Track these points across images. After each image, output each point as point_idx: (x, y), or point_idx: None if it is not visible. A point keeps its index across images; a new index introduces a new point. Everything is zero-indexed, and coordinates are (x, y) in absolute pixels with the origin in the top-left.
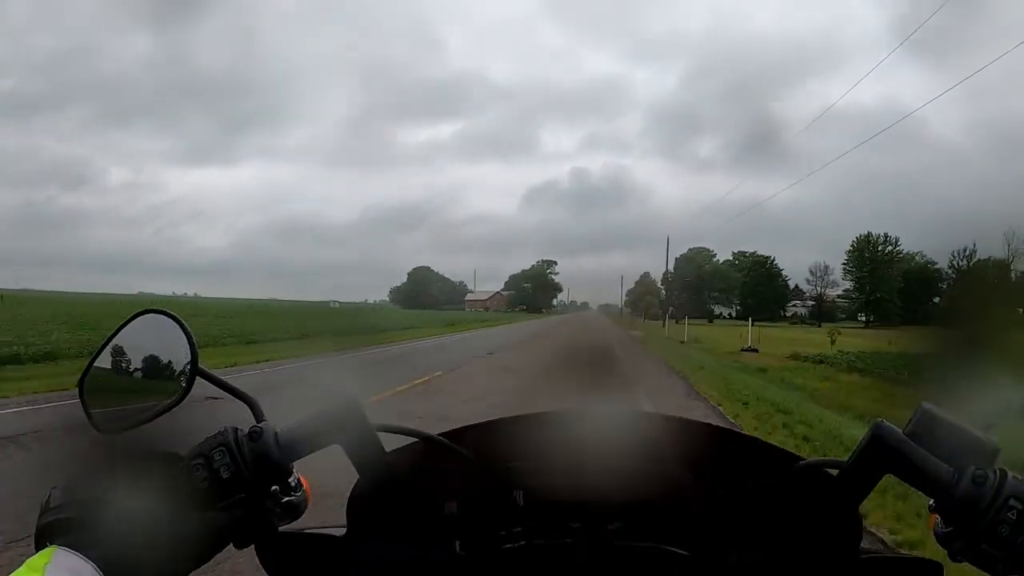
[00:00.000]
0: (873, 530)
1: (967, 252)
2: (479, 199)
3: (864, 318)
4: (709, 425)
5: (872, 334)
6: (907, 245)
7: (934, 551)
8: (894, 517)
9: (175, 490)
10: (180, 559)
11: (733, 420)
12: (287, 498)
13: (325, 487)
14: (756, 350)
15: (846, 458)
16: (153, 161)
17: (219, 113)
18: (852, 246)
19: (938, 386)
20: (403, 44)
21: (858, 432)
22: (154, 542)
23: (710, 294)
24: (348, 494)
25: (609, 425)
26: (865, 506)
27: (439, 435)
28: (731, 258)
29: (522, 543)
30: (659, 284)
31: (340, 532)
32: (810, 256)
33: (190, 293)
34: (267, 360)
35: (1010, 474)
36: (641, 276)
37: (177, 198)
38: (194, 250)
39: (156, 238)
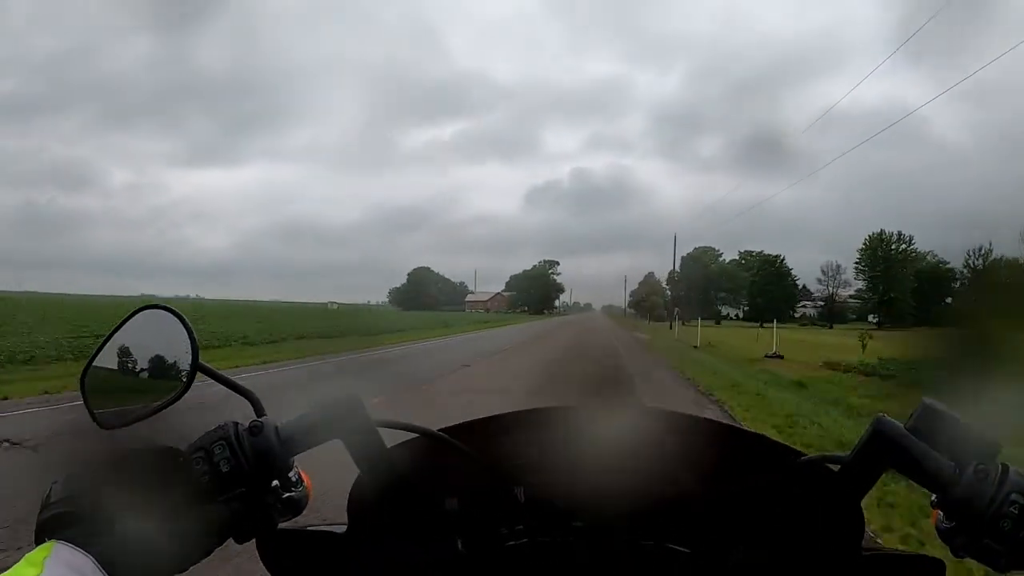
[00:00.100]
0: None
1: (983, 251)
2: (481, 199)
3: (875, 319)
4: (711, 421)
5: (886, 336)
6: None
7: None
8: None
9: (175, 484)
10: (180, 553)
11: None
12: (288, 494)
13: (324, 485)
14: (781, 356)
15: (847, 453)
16: (155, 162)
17: (221, 114)
18: (865, 244)
19: (942, 382)
20: (405, 44)
21: None
22: (154, 536)
23: (717, 294)
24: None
25: (611, 421)
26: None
27: (440, 431)
28: (737, 257)
29: (524, 540)
30: (664, 284)
31: (341, 529)
32: (811, 256)
33: (192, 295)
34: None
35: (1012, 468)
36: (645, 276)
37: (179, 199)
38: (196, 251)
39: (158, 239)
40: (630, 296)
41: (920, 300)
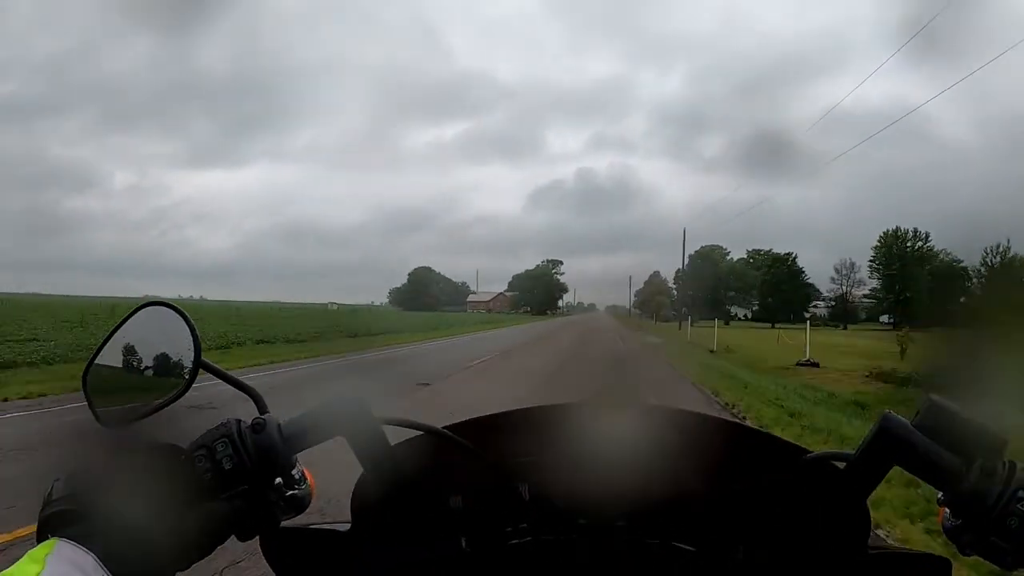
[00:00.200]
0: None
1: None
2: (484, 200)
3: (889, 319)
4: (716, 419)
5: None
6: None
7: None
8: None
9: (177, 482)
10: (182, 550)
11: None
12: (291, 492)
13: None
14: (816, 364)
15: (853, 451)
16: (157, 163)
17: (223, 116)
18: (880, 241)
19: (949, 379)
20: (407, 44)
21: None
22: (156, 533)
23: (726, 293)
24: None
25: (615, 419)
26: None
27: (445, 428)
28: (745, 256)
29: (528, 539)
30: (670, 284)
31: (344, 528)
32: (812, 256)
33: (196, 296)
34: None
35: (1019, 465)
36: (651, 275)
37: (181, 200)
38: (199, 252)
39: (161, 241)
40: (635, 296)
41: (935, 300)
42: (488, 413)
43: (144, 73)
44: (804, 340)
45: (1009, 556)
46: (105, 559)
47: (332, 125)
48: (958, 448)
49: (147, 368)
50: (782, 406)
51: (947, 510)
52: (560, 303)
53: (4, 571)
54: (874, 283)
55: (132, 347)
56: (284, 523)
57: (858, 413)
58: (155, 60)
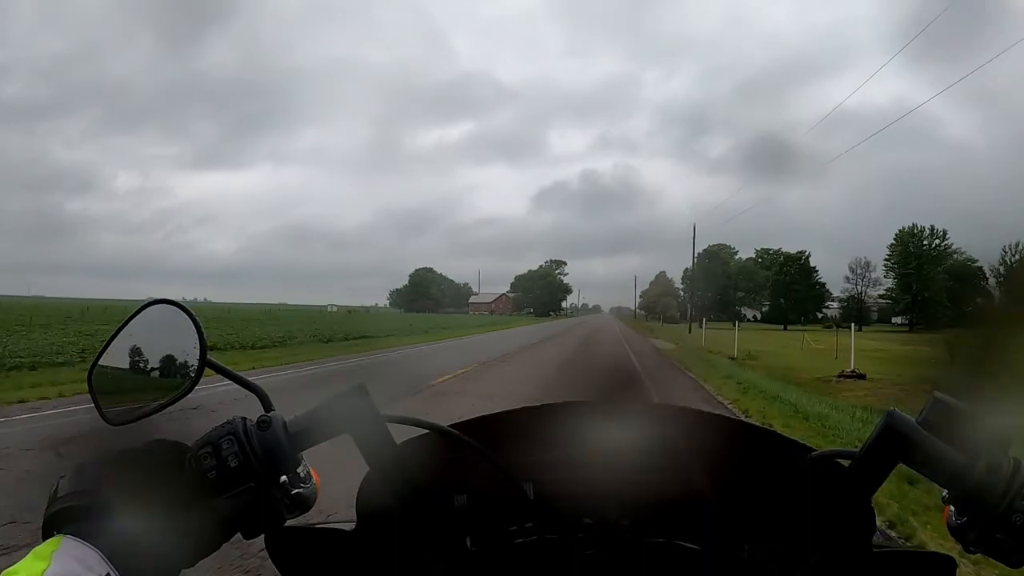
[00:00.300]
0: None
1: (1020, 247)
2: (488, 201)
3: (904, 320)
4: (720, 416)
5: (926, 339)
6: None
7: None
8: None
9: (182, 479)
10: (187, 547)
11: None
12: (296, 490)
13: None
14: (863, 376)
15: (858, 448)
16: (161, 166)
17: (227, 117)
18: (896, 239)
19: (954, 378)
20: (412, 46)
21: None
22: (161, 531)
23: (736, 294)
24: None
25: (620, 418)
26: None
27: (450, 426)
28: (754, 256)
29: (533, 538)
30: (677, 284)
31: (350, 527)
32: (820, 256)
33: (200, 298)
34: None
35: None
36: (657, 276)
37: (186, 203)
38: (204, 254)
39: (165, 243)
40: (640, 297)
41: (952, 300)
42: (492, 412)
43: (147, 75)
44: (837, 344)
45: (1014, 553)
46: (111, 556)
47: (336, 127)
48: (963, 446)
49: (152, 366)
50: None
51: (952, 508)
52: (564, 304)
53: (10, 568)
54: (889, 283)
55: (137, 345)
56: (289, 522)
57: None
58: (158, 62)
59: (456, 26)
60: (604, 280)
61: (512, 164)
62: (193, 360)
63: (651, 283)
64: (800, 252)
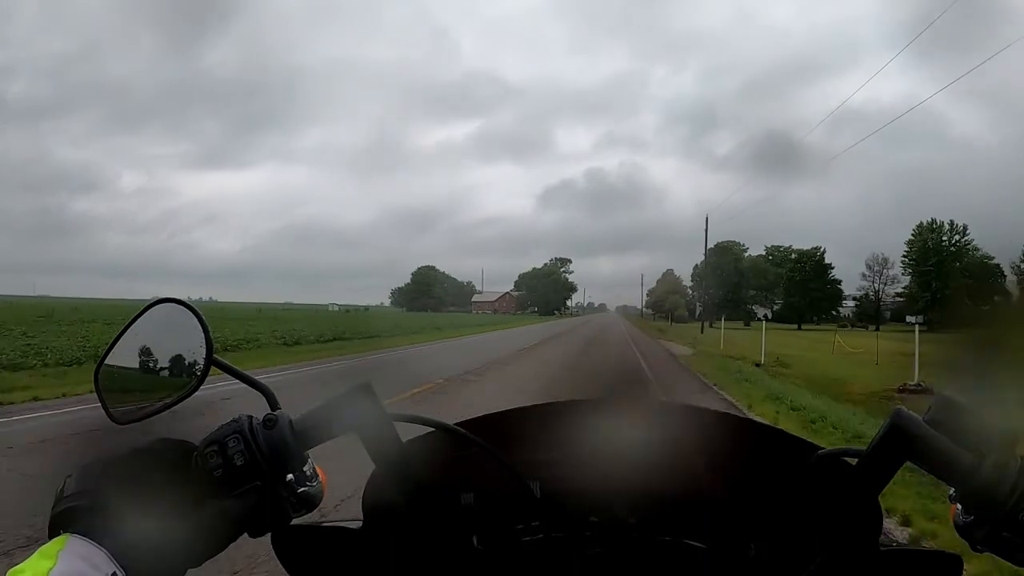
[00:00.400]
0: None
1: None
2: (494, 200)
3: (920, 320)
4: (727, 415)
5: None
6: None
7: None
8: None
9: (189, 478)
10: (194, 547)
11: None
12: (302, 488)
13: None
14: (929, 389)
15: (865, 447)
16: (165, 165)
17: (230, 117)
18: (914, 234)
19: (962, 376)
20: (417, 44)
21: None
22: (167, 530)
23: (747, 292)
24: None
25: (627, 415)
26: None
27: (456, 424)
28: (764, 253)
29: (540, 537)
30: (685, 282)
31: (356, 525)
32: (828, 255)
33: (205, 297)
34: None
35: None
36: (664, 273)
37: (190, 202)
38: (209, 254)
39: (169, 242)
40: (647, 295)
41: (972, 297)
42: (499, 410)
43: (151, 74)
44: (878, 348)
45: (1021, 552)
46: (117, 555)
47: (340, 126)
48: (970, 444)
49: (159, 365)
50: None
51: (959, 506)
52: (569, 303)
53: (16, 567)
54: (906, 280)
55: (144, 344)
56: (295, 520)
57: None
58: (161, 61)
59: (460, 24)
60: (610, 279)
61: (517, 162)
62: (199, 359)
63: (658, 281)
64: (815, 248)
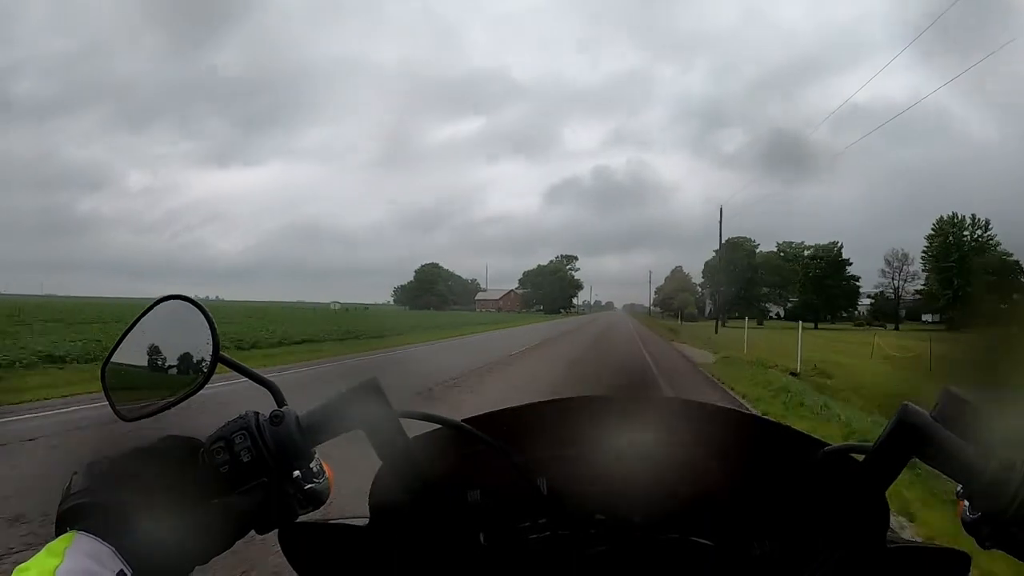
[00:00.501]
0: None
1: None
2: (500, 198)
3: (937, 318)
4: (733, 411)
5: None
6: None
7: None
8: None
9: (195, 474)
10: (201, 544)
11: None
12: (309, 485)
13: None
14: None
15: (872, 443)
16: (171, 164)
17: (237, 116)
18: (934, 229)
19: (969, 372)
20: (423, 42)
21: None
22: (174, 527)
23: (760, 289)
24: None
25: (634, 412)
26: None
27: (462, 421)
28: (775, 250)
29: (547, 534)
30: (695, 281)
31: (362, 523)
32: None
33: (212, 296)
34: None
35: None
36: (673, 270)
37: (196, 201)
38: (216, 253)
39: (175, 241)
40: (655, 293)
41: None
42: (506, 407)
43: (156, 73)
44: (931, 351)
45: None
46: (124, 552)
47: (345, 124)
48: (977, 440)
49: (165, 362)
50: None
51: (966, 503)
52: (575, 301)
53: (23, 564)
54: (925, 277)
55: (151, 341)
56: (302, 517)
57: None
58: (167, 60)
59: (466, 22)
60: (617, 277)
61: (524, 160)
62: (206, 355)
63: (667, 278)
64: (832, 243)
